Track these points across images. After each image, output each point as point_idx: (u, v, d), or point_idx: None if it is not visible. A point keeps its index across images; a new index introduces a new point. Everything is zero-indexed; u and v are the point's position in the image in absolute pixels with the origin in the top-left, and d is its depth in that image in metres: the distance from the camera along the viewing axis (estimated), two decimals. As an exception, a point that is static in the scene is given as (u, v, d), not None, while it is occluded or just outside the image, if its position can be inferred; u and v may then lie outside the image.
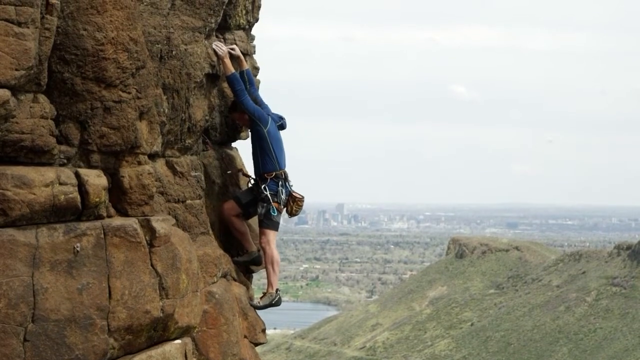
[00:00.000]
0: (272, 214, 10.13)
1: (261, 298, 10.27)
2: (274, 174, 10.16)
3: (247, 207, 10.13)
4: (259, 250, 10.29)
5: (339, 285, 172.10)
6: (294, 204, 10.36)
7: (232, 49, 9.90)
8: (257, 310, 10.15)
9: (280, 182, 10.18)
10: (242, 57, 10.09)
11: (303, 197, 10.44)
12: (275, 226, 10.24)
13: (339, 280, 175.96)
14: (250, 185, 10.34)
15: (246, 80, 10.09)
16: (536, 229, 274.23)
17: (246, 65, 10.20)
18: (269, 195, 10.06)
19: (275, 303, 10.37)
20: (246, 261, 10.25)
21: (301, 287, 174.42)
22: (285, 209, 10.33)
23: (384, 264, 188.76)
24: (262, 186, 10.08)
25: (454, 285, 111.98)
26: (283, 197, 10.19)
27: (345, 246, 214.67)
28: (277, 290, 10.37)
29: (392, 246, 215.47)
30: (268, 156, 10.08)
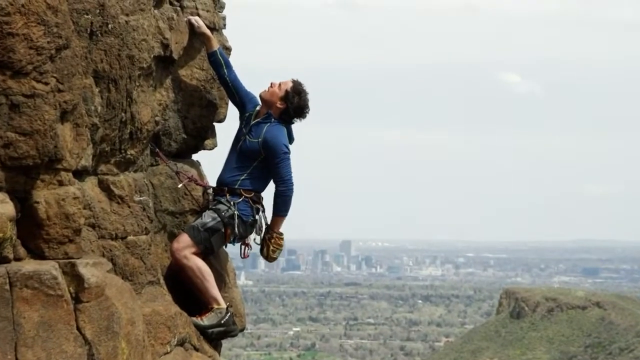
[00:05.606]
0: (231, 242, 10.24)
1: (203, 315, 10.05)
2: (253, 193, 10.20)
3: (207, 235, 10.01)
4: (229, 307, 10.20)
5: (345, 356, 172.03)
6: (271, 241, 10.37)
7: (194, 21, 10.07)
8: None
9: (259, 208, 10.27)
10: (209, 33, 10.19)
11: (283, 235, 10.48)
12: (208, 250, 10.08)
13: (345, 350, 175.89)
14: (207, 199, 10.28)
15: (221, 64, 10.29)
16: (625, 278, 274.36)
17: (216, 45, 10.29)
18: (235, 214, 10.06)
19: (226, 324, 10.11)
20: (213, 326, 10.07)
21: (291, 359, 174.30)
22: (261, 248, 10.38)
23: (409, 326, 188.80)
24: (231, 202, 10.10)
25: (509, 357, 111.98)
26: (262, 228, 10.29)
27: (354, 301, 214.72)
28: (228, 306, 10.19)
29: (419, 301, 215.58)
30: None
